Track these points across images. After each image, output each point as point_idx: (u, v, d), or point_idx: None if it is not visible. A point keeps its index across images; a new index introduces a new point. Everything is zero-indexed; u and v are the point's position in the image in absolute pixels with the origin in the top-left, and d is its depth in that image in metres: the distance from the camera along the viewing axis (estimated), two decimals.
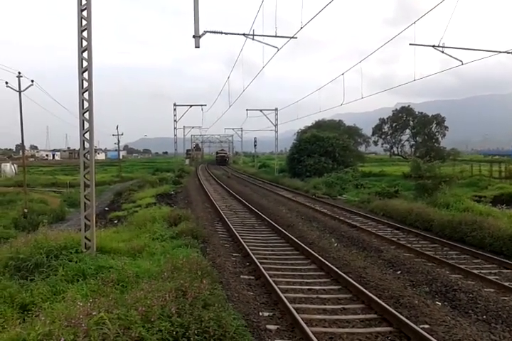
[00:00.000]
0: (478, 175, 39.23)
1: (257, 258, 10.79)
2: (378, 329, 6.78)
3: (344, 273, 9.52)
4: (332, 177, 33.17)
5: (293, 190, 32.77)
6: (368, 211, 20.84)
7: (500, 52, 20.65)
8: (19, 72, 25.88)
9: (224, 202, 24.78)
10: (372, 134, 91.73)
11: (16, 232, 18.45)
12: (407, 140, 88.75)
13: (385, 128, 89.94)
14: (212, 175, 52.97)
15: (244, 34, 19.29)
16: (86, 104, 9.99)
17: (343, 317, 7.28)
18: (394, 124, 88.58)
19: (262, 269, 9.73)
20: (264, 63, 21.09)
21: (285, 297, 7.82)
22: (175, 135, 54.18)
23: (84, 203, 10.11)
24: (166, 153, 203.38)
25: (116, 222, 19.00)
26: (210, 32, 18.80)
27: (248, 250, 11.72)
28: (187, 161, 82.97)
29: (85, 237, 9.95)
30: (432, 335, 6.17)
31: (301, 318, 6.80)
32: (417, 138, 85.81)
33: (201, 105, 52.03)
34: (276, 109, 50.71)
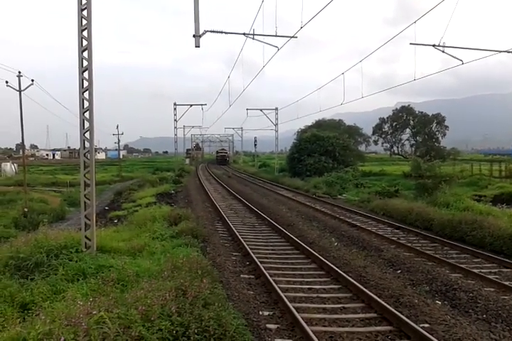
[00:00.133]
0: (478, 174, 39.26)
1: (257, 258, 10.79)
2: (378, 328, 6.78)
3: (344, 272, 9.53)
4: (332, 177, 33.18)
5: (293, 189, 32.77)
6: (368, 210, 20.84)
7: (500, 51, 20.65)
8: (19, 72, 25.90)
9: (224, 201, 24.78)
10: (373, 134, 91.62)
11: (16, 231, 18.46)
12: (407, 139, 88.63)
13: (385, 127, 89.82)
14: (213, 175, 52.98)
15: (244, 33, 19.29)
16: (86, 104, 10.00)
17: (343, 316, 7.28)
18: (394, 124, 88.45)
19: (262, 268, 9.73)
20: (265, 63, 21.12)
21: (285, 296, 7.82)
22: (175, 134, 54.19)
23: (85, 202, 10.12)
24: (166, 152, 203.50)
25: (116, 221, 19.01)
26: (211, 31, 18.80)
27: (248, 249, 11.72)
28: (187, 161, 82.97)
29: (85, 236, 9.96)
30: (432, 334, 6.17)
31: (301, 317, 6.80)
32: (417, 137, 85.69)
33: (201, 104, 52.10)
34: (276, 109, 50.73)
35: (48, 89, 31.37)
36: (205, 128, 75.52)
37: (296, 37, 18.73)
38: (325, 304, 7.90)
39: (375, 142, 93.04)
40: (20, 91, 25.86)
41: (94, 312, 5.41)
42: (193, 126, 70.30)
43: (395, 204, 19.84)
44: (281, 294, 7.92)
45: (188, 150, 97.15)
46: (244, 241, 12.93)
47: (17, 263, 9.01)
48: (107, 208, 26.04)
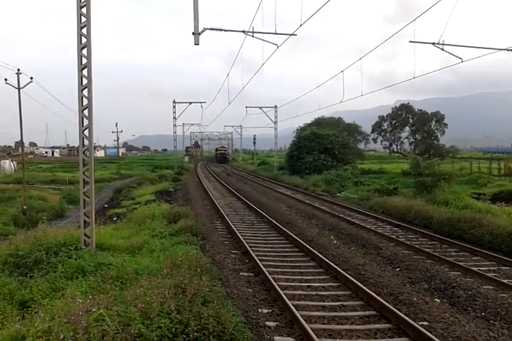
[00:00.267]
0: (477, 172, 39.28)
1: (256, 255, 10.79)
2: (377, 326, 6.80)
3: (343, 270, 9.54)
4: (331, 175, 33.18)
5: (292, 187, 32.76)
6: (367, 208, 20.85)
7: (500, 49, 20.65)
8: (18, 69, 25.80)
9: (223, 199, 24.78)
10: (372, 131, 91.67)
11: (15, 229, 18.43)
12: (407, 137, 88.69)
13: (385, 125, 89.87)
14: (212, 173, 52.96)
15: (243, 31, 19.23)
16: (85, 101, 9.99)
17: (342, 314, 7.29)
18: (393, 122, 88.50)
19: (262, 266, 9.74)
20: (264, 60, 21.07)
21: (284, 294, 7.83)
22: (174, 132, 54.17)
23: (84, 200, 10.12)
24: (165, 150, 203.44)
25: (115, 219, 19.02)
26: (210, 29, 18.76)
27: (247, 247, 11.72)
28: (186, 158, 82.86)
29: (85, 234, 9.97)
30: (430, 332, 6.19)
31: (300, 315, 6.81)
32: (417, 135, 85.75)
33: (201, 102, 52.00)
34: (275, 107, 50.65)
35: (47, 87, 31.31)
36: (204, 125, 75.41)
37: (296, 34, 18.68)
38: (324, 302, 7.91)
39: (375, 140, 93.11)
40: (19, 88, 25.76)
41: (94, 310, 5.42)
42: (192, 124, 70.24)
43: (394, 202, 19.85)
44: (281, 292, 7.93)
45: (187, 148, 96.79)
46: (244, 238, 12.93)
47: (16, 260, 9.03)
48: (106, 206, 26.03)
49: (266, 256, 11.32)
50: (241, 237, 13.08)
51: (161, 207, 17.38)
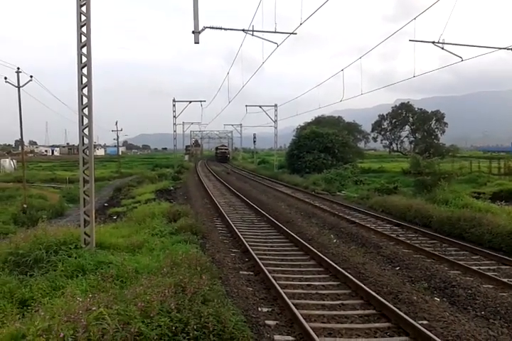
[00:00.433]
0: (477, 171, 39.30)
1: (256, 254, 10.80)
2: (377, 324, 6.81)
3: (343, 268, 9.55)
4: (331, 174, 33.19)
5: (292, 186, 32.76)
6: (367, 207, 20.86)
7: (500, 48, 20.60)
8: (18, 68, 25.76)
9: (223, 198, 24.78)
10: (372, 130, 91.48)
11: (15, 228, 18.43)
12: (407, 136, 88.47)
13: (385, 124, 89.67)
14: (212, 171, 52.95)
15: (243, 30, 19.21)
16: (85, 100, 9.98)
17: (342, 312, 7.30)
18: (393, 121, 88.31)
19: (261, 265, 9.75)
20: (264, 59, 21.03)
21: (284, 292, 7.84)
22: (174, 131, 54.15)
23: (84, 199, 10.12)
24: (165, 149, 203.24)
25: (115, 217, 19.00)
26: (210, 28, 18.74)
27: (247, 246, 11.73)
28: (186, 157, 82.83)
29: (85, 233, 9.97)
30: (430, 331, 6.20)
31: (300, 314, 6.81)
32: (417, 134, 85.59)
33: (201, 101, 51.96)
34: (275, 105, 50.60)
35: (47, 86, 31.27)
36: (204, 124, 75.41)
37: (296, 33, 18.64)
38: (324, 300, 7.92)
39: (374, 139, 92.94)
40: (19, 87, 25.74)
41: (94, 309, 5.43)
42: (192, 123, 70.29)
43: (394, 201, 19.85)
44: (280, 290, 7.93)
45: (187, 146, 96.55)
46: (244, 237, 12.94)
47: (16, 259, 9.03)
48: (106, 204, 26.03)
49: (266, 254, 11.32)
50: (241, 236, 13.08)
51: (161, 206, 17.38)
